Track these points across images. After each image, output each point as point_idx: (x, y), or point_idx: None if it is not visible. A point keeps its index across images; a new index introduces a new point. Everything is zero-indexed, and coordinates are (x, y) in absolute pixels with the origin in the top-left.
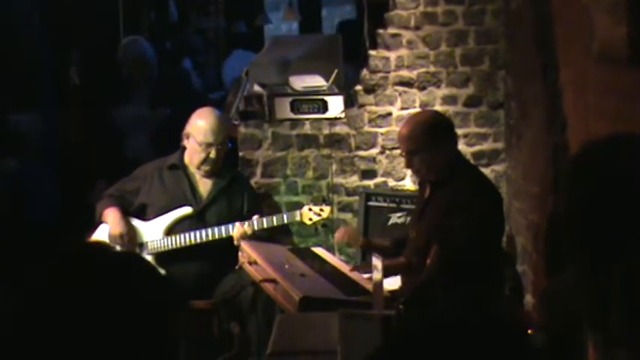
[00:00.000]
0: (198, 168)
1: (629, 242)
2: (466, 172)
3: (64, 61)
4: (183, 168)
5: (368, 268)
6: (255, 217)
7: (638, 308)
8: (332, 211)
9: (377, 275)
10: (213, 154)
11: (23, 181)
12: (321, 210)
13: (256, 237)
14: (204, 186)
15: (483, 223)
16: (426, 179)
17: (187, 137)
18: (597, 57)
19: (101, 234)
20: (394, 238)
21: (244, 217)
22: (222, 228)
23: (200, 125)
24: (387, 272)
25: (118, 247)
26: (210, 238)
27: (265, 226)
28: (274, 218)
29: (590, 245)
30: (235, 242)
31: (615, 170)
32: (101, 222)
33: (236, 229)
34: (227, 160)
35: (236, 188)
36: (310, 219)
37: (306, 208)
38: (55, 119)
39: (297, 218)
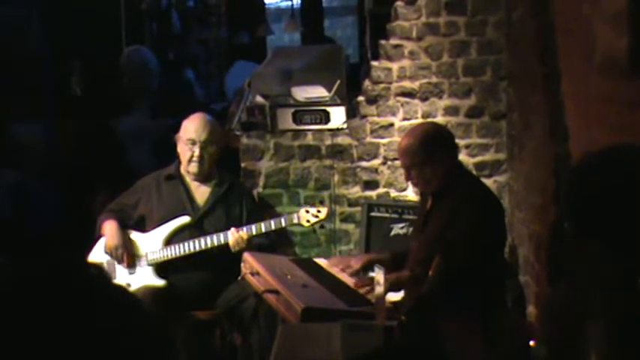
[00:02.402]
0: (187, 171)
1: (626, 247)
2: (467, 183)
3: (65, 71)
4: (180, 178)
5: (370, 282)
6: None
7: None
8: (329, 213)
9: (379, 287)
10: (197, 152)
11: (23, 193)
12: (319, 211)
13: (258, 246)
14: (202, 195)
15: (485, 234)
16: (425, 191)
17: (178, 141)
18: (599, 68)
19: (102, 246)
20: (393, 251)
21: (244, 225)
22: (221, 235)
23: (186, 125)
24: (392, 287)
25: (114, 260)
26: (208, 245)
27: (264, 230)
28: (272, 222)
29: (588, 250)
30: (232, 248)
31: (615, 179)
32: (101, 235)
33: (230, 235)
34: (224, 169)
35: (234, 196)
36: (308, 221)
37: (303, 210)
38: (56, 130)
39: (295, 221)
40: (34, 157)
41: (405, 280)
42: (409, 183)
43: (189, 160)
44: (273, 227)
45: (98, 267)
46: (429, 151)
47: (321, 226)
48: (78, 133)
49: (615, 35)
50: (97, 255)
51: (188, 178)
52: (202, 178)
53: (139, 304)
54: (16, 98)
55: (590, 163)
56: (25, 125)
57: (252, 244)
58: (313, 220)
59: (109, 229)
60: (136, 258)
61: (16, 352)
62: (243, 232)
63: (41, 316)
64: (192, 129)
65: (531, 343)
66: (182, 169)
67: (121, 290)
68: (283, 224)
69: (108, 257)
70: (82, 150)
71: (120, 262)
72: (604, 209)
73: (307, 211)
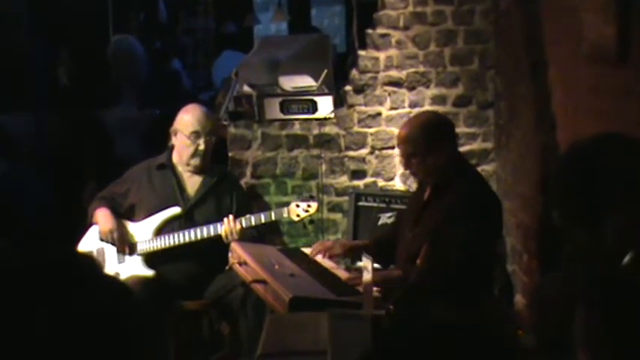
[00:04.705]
0: (188, 164)
1: (615, 234)
2: (467, 178)
3: (53, 61)
4: (171, 167)
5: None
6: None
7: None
8: (319, 207)
9: (367, 275)
10: (202, 145)
11: (12, 183)
12: (309, 206)
13: (246, 236)
14: (193, 185)
15: (483, 229)
16: (425, 181)
17: (175, 134)
18: (586, 56)
19: (92, 235)
20: (374, 238)
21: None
22: (211, 227)
23: (186, 119)
24: (380, 285)
25: (109, 245)
26: (198, 237)
27: (253, 223)
28: (262, 216)
29: (576, 239)
30: (224, 239)
31: (603, 168)
32: (92, 223)
33: (223, 227)
34: (215, 160)
35: (224, 187)
36: (298, 215)
37: (293, 205)
38: (45, 120)
39: (285, 215)
40: (22, 147)
41: (395, 279)
42: (397, 172)
43: (193, 155)
44: (263, 221)
45: (89, 256)
46: (430, 141)
47: (311, 221)
48: (66, 123)
49: (603, 23)
50: (87, 244)
51: (180, 168)
52: (202, 170)
53: (130, 292)
54: (4, 88)
55: (578, 152)
56: (13, 115)
57: (247, 236)
58: (303, 214)
59: (102, 215)
60: (127, 244)
61: (7, 340)
62: (236, 224)
63: (33, 305)
64: (195, 121)
65: (519, 331)
66: (175, 159)
67: (112, 279)
68: (273, 218)
69: (98, 246)
70: (71, 140)
71: (115, 245)
72: (592, 198)
73: (297, 206)
